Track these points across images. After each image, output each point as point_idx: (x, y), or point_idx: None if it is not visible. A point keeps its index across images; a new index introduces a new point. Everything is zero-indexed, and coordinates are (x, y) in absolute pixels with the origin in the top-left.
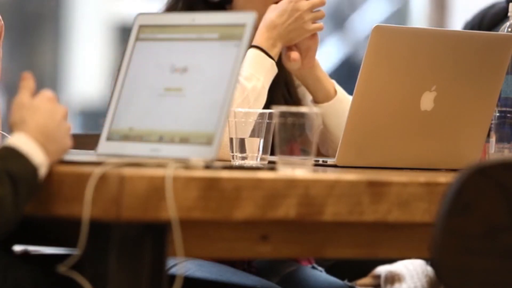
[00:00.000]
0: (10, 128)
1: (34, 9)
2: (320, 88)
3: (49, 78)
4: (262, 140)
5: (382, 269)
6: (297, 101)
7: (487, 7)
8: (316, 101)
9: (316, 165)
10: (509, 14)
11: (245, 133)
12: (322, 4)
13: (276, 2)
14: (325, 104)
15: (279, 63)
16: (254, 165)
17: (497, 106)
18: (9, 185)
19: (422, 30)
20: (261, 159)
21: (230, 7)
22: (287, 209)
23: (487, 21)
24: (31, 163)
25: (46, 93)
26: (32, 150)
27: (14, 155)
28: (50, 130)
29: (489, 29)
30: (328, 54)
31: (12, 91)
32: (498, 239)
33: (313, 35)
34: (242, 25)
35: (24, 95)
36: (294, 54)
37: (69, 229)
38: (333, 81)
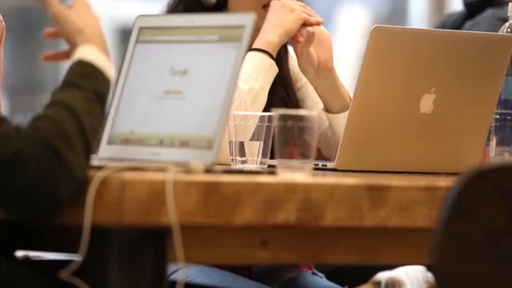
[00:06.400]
0: (66, 39)
1: (36, 11)
2: (338, 98)
3: (51, 81)
4: (261, 144)
5: (382, 276)
6: (297, 104)
7: (446, 15)
8: (331, 111)
9: (315, 169)
10: (508, 14)
11: (245, 137)
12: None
13: (266, 5)
14: (342, 114)
15: (278, 64)
16: (254, 169)
17: (497, 108)
18: (99, 105)
19: (421, 31)
20: (261, 162)
21: (226, 10)
22: (287, 214)
23: (448, 28)
24: (108, 79)
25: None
26: (104, 63)
27: (94, 72)
28: (101, 33)
29: None
30: None
31: (14, 93)
32: (499, 244)
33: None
34: (242, 27)
35: (58, 6)
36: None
37: (70, 235)
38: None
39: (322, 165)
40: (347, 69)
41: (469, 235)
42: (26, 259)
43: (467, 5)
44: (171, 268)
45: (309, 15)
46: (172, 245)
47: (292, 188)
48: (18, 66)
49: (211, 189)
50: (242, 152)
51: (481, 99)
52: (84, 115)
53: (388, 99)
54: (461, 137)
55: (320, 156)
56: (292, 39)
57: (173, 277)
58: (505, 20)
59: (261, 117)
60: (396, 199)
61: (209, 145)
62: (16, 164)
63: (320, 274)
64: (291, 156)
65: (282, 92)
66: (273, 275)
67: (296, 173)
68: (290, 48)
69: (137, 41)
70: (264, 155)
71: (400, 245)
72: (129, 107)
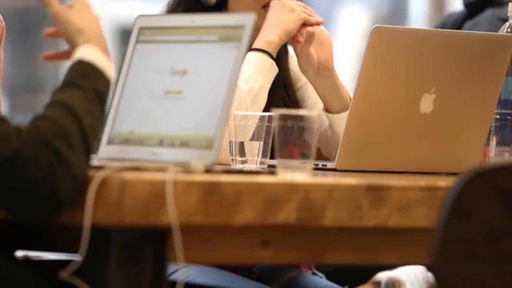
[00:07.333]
0: (66, 39)
1: (36, 11)
2: (338, 98)
3: (51, 81)
4: (261, 144)
5: (382, 276)
6: (297, 104)
7: (446, 15)
8: (331, 111)
9: (315, 169)
10: (508, 14)
11: (245, 137)
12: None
13: (266, 4)
14: (342, 114)
15: (279, 64)
16: (254, 169)
17: (497, 108)
18: (99, 105)
19: (421, 31)
20: (261, 162)
21: (226, 10)
22: (287, 214)
23: (448, 28)
24: (108, 79)
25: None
26: (104, 63)
27: (94, 72)
28: (101, 33)
29: None
30: None
31: (14, 93)
32: (498, 244)
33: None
34: (242, 27)
35: (58, 6)
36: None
37: (70, 235)
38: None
39: (322, 165)
40: (347, 69)
41: (469, 235)
42: (26, 259)
43: (467, 5)
44: (171, 268)
45: (309, 15)
46: (172, 245)
47: (292, 188)
48: (18, 66)
49: (211, 189)
50: (242, 152)
51: (481, 99)
52: (84, 115)
53: (388, 99)
54: (461, 137)
55: (320, 156)
56: (292, 39)
57: (173, 277)
58: (505, 20)
59: (261, 117)
60: (396, 199)
61: (209, 145)
62: (16, 164)
63: (320, 274)
64: (291, 156)
65: (282, 92)
66: (273, 275)
67: (296, 173)
68: (290, 48)
69: (137, 41)
70: (264, 155)
71: (400, 245)
72: (129, 107)
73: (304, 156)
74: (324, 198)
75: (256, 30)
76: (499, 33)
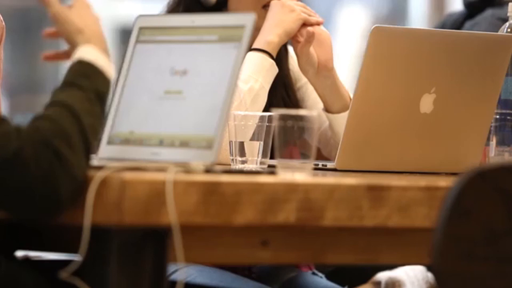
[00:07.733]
0: (66, 39)
1: (36, 11)
2: (338, 98)
3: (51, 81)
4: (261, 144)
5: (382, 276)
6: (297, 104)
7: (446, 15)
8: (331, 111)
9: (315, 169)
10: (508, 14)
11: (245, 137)
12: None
13: (266, 4)
14: (342, 114)
15: (279, 64)
16: (254, 169)
17: (497, 108)
18: (99, 105)
19: (421, 31)
20: (261, 162)
21: (226, 10)
22: (287, 214)
23: (448, 28)
24: (108, 79)
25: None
26: (104, 63)
27: (94, 72)
28: (101, 33)
29: None
30: None
31: (14, 93)
32: (499, 244)
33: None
34: (242, 27)
35: (57, 6)
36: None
37: (70, 235)
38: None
39: (322, 165)
40: (347, 69)
41: (469, 235)
42: (26, 259)
43: (467, 5)
44: (171, 268)
45: (309, 15)
46: (172, 245)
47: (292, 188)
48: (18, 66)
49: (211, 189)
50: (242, 152)
51: (481, 99)
52: (84, 115)
53: (388, 99)
54: (461, 137)
55: (320, 156)
56: (292, 39)
57: (173, 277)
58: (505, 20)
59: (261, 117)
60: (396, 199)
61: (209, 145)
62: (16, 164)
63: (320, 274)
64: (291, 156)
65: (282, 92)
66: (273, 275)
67: (296, 173)
68: (290, 48)
69: (137, 41)
70: (264, 155)
71: (400, 245)
72: (129, 107)
73: (304, 156)
74: (324, 198)
75: (256, 30)
76: (499, 33)
